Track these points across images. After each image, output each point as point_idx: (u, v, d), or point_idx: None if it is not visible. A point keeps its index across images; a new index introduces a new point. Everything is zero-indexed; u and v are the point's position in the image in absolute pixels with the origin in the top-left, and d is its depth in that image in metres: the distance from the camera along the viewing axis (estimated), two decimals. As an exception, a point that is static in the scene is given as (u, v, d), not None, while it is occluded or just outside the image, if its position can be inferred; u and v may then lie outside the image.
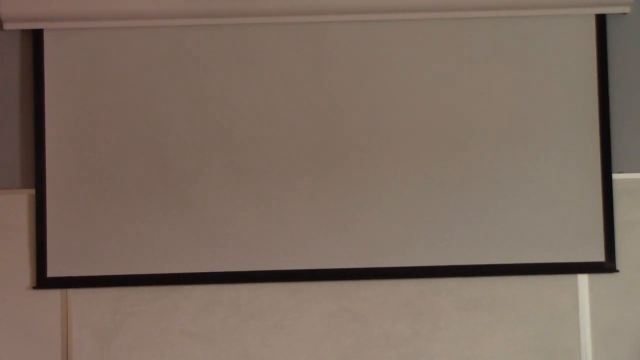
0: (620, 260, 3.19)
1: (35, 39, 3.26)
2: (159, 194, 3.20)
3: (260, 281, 3.19)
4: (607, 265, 3.18)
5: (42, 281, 3.19)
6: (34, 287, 3.20)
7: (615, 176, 3.22)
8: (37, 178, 3.22)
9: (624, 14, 3.26)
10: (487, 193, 3.19)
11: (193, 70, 3.25)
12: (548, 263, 3.17)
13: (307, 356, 3.20)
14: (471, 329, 3.19)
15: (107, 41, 3.26)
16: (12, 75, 3.29)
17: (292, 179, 3.21)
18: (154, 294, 3.20)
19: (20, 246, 3.21)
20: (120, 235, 3.19)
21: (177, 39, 3.26)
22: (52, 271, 3.19)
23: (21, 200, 3.22)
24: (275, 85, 3.24)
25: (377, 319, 3.20)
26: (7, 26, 3.25)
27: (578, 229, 3.18)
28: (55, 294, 3.19)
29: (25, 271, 3.20)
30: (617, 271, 3.18)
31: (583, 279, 3.18)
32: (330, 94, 3.22)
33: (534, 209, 3.18)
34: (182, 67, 3.25)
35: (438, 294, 3.20)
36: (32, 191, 3.22)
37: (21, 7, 3.20)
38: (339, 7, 3.21)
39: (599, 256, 3.18)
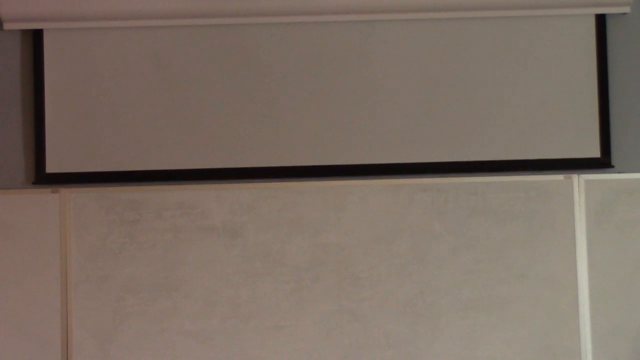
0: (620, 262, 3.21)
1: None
2: (157, 94, 3.24)
3: (259, 177, 3.23)
4: (602, 161, 3.22)
5: (41, 177, 3.22)
6: (33, 183, 3.23)
7: (615, 176, 3.23)
8: (37, 177, 3.23)
9: (624, 14, 3.27)
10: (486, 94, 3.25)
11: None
12: (543, 159, 3.23)
13: (307, 356, 3.20)
14: (471, 329, 3.19)
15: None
16: (12, 75, 3.29)
17: (289, 79, 3.24)
18: (154, 294, 3.21)
19: (23, 247, 3.22)
20: (117, 134, 3.24)
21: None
22: (50, 168, 3.23)
23: (21, 199, 3.22)
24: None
25: (377, 318, 3.20)
26: (7, 26, 3.25)
27: (574, 127, 3.23)
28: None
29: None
30: (612, 167, 3.21)
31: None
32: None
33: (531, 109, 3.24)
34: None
35: (438, 293, 3.20)
36: (32, 191, 3.22)
37: (21, 7, 3.21)
38: (339, 7, 3.22)
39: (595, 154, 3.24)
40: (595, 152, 3.23)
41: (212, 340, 3.20)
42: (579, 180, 3.21)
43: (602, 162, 3.23)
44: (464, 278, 3.20)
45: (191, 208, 3.23)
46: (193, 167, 3.25)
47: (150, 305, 3.21)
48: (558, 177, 3.22)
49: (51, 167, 3.25)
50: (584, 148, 3.24)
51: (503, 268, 3.20)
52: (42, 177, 3.24)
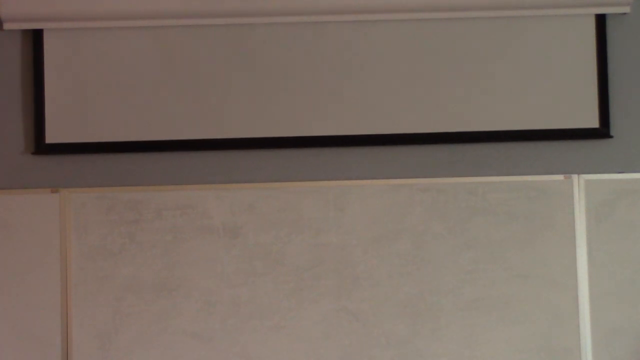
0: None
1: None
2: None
3: (256, 148, 3.24)
4: (601, 131, 3.22)
5: (41, 147, 3.24)
6: (33, 153, 3.24)
7: (615, 176, 3.23)
8: (37, 147, 3.25)
9: (624, 14, 3.27)
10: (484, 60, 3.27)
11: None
12: (542, 130, 3.23)
13: (307, 356, 3.20)
14: (471, 329, 3.19)
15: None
16: (12, 75, 3.29)
17: (286, 50, 3.26)
18: (154, 294, 3.21)
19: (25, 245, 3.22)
20: (118, 104, 3.25)
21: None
22: (50, 138, 3.25)
23: (21, 199, 3.22)
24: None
25: (377, 318, 3.20)
26: (7, 26, 3.25)
27: (572, 98, 3.24)
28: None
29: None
30: (611, 137, 3.22)
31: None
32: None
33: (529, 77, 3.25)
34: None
35: (438, 293, 3.20)
36: (32, 191, 3.23)
37: (21, 7, 3.21)
38: (339, 7, 3.22)
39: (593, 121, 3.25)
40: (593, 123, 3.23)
41: (212, 340, 3.20)
42: (579, 180, 3.22)
43: (601, 133, 3.23)
44: (464, 278, 3.20)
45: (191, 208, 3.23)
46: (191, 137, 3.25)
47: (150, 305, 3.21)
48: (558, 177, 3.23)
49: (51, 137, 3.25)
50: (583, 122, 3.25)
51: (503, 268, 3.20)
52: (42, 147, 3.24)
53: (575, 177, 3.22)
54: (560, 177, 3.23)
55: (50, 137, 3.25)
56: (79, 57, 3.27)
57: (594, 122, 3.24)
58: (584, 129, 3.24)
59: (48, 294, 3.20)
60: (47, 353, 3.19)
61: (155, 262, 3.22)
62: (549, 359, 3.17)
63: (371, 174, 3.26)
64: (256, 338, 3.20)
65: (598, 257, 3.20)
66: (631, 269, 3.20)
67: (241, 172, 3.27)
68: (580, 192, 3.22)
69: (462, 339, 3.19)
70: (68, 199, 3.23)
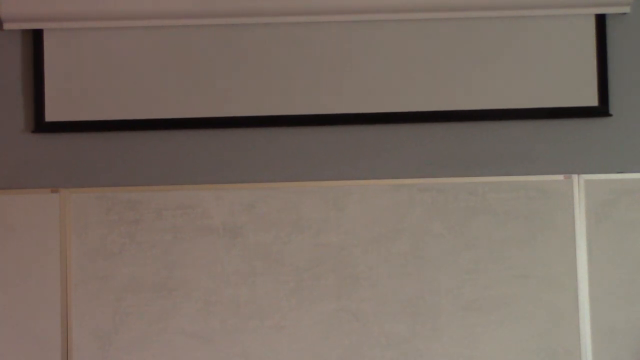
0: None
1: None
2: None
3: (256, 126, 3.25)
4: (600, 109, 3.23)
5: (41, 125, 3.24)
6: (33, 131, 3.25)
7: (615, 176, 3.23)
8: (36, 125, 3.25)
9: (624, 14, 3.27)
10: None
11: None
12: (540, 108, 3.24)
13: (307, 356, 3.20)
14: (471, 329, 3.19)
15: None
16: (12, 75, 3.30)
17: (284, 27, 3.26)
18: (154, 294, 3.20)
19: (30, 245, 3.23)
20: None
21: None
22: (50, 116, 3.25)
23: (21, 199, 3.22)
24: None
25: (377, 318, 3.20)
26: (7, 26, 3.25)
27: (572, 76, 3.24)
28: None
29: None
30: (611, 115, 3.23)
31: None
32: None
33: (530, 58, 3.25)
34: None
35: (438, 293, 3.20)
36: (32, 191, 3.23)
37: (21, 7, 3.21)
38: (337, 7, 3.22)
39: (593, 101, 3.25)
40: (592, 101, 3.24)
41: (212, 340, 3.20)
42: (579, 180, 3.22)
43: (600, 111, 3.23)
44: (464, 278, 3.20)
45: (191, 208, 3.23)
46: (189, 116, 3.25)
47: (150, 305, 3.21)
48: (558, 177, 3.23)
49: (50, 115, 3.25)
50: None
51: (503, 268, 3.20)
52: (42, 125, 3.25)
53: (575, 177, 3.22)
54: (560, 177, 3.23)
55: (50, 117, 3.26)
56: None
57: (593, 101, 3.24)
58: (583, 107, 3.23)
59: (48, 294, 3.20)
60: (47, 353, 3.19)
61: (155, 262, 3.22)
62: (548, 359, 3.17)
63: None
64: (256, 338, 3.20)
65: (598, 257, 3.20)
66: (631, 269, 3.20)
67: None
68: (580, 192, 3.22)
69: (462, 339, 3.19)
70: (68, 199, 3.23)
